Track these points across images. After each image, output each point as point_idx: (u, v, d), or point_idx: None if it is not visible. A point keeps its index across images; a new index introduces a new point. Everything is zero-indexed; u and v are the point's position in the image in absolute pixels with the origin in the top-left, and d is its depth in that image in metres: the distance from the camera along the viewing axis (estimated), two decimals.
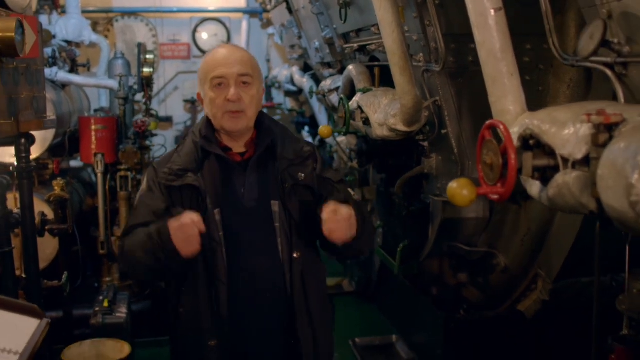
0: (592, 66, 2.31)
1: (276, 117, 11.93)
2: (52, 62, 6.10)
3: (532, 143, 2.07)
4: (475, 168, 2.95)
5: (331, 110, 5.93)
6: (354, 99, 4.48)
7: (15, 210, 3.54)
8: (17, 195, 3.77)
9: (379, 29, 3.61)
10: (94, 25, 10.36)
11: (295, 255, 2.59)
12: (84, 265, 5.91)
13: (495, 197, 2.03)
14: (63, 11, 7.90)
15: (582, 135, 1.88)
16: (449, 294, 5.08)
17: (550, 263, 4.30)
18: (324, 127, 4.38)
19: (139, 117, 6.36)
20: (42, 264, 4.90)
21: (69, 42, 7.36)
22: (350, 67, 4.98)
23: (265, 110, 10.01)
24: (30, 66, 3.31)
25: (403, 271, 5.06)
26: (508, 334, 4.60)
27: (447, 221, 4.47)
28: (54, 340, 4.76)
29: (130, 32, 11.28)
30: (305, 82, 7.82)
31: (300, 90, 8.54)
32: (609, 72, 2.26)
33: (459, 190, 1.97)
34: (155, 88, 11.04)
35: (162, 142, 7.88)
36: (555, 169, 2.00)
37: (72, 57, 7.07)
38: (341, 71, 5.63)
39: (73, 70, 7.05)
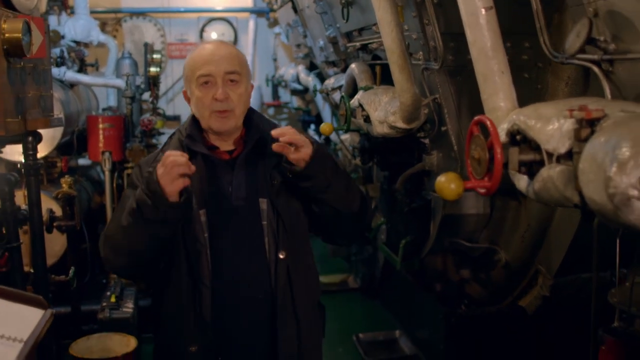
0: (580, 63, 2.37)
1: (283, 116, 12.01)
2: (61, 61, 6.21)
3: (518, 138, 2.13)
4: None
5: (334, 108, 6.01)
6: (356, 96, 4.55)
7: (24, 207, 3.62)
8: (25, 193, 3.86)
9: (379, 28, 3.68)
10: (103, 26, 10.47)
11: (281, 255, 2.50)
12: (92, 262, 6.00)
13: (483, 190, 2.09)
14: (72, 12, 8.01)
15: (565, 130, 1.94)
16: (451, 290, 5.13)
17: (550, 259, 4.34)
18: (325, 125, 4.44)
19: (146, 116, 6.46)
20: (51, 260, 5.00)
21: (77, 42, 7.46)
22: (353, 65, 5.05)
23: (272, 109, 10.13)
24: (38, 66, 3.39)
25: (405, 267, 5.12)
26: (509, 329, 4.64)
27: (448, 217, 4.53)
28: (62, 334, 4.87)
29: (138, 32, 11.39)
30: (310, 80, 7.90)
31: (306, 89, 8.61)
32: (596, 69, 2.32)
33: (447, 184, 2.03)
34: (163, 87, 11.16)
35: None
36: (540, 164, 2.06)
37: (80, 57, 7.18)
38: (345, 70, 5.69)
39: (81, 70, 7.16)
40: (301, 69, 8.64)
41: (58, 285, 4.42)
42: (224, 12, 11.80)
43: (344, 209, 2.53)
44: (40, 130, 3.60)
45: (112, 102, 8.50)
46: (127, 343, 4.52)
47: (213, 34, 11.81)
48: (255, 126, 2.61)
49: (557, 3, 3.16)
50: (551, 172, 1.99)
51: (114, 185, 6.19)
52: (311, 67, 8.47)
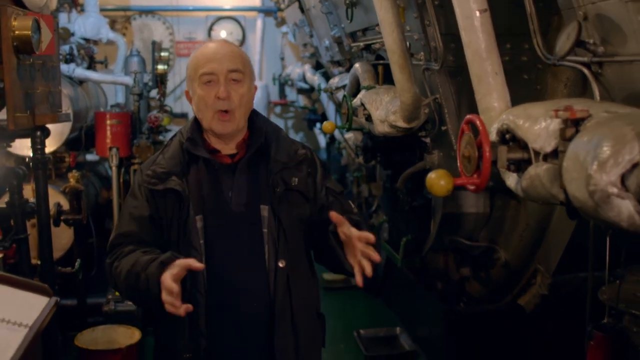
0: (571, 65, 2.43)
1: (289, 114, 12.09)
2: (70, 58, 6.30)
3: (508, 137, 2.20)
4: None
5: (338, 107, 6.08)
6: (358, 96, 4.62)
7: (32, 200, 3.71)
8: (34, 187, 3.95)
9: None
10: (112, 23, 10.56)
11: (280, 264, 2.41)
12: (98, 256, 6.08)
13: (472, 187, 2.17)
14: (82, 9, 8.09)
15: (551, 130, 2.01)
16: (451, 288, 5.19)
17: (548, 258, 4.39)
18: (327, 123, 4.53)
19: (153, 113, 6.55)
20: (58, 254, 5.11)
21: (87, 40, 7.54)
22: (357, 65, 5.12)
23: (278, 108, 10.20)
24: (46, 63, 3.48)
25: (406, 264, 5.19)
26: (507, 326, 4.71)
27: (448, 216, 4.59)
28: (68, 326, 4.97)
29: (147, 30, 11.49)
30: (316, 79, 7.97)
31: (312, 88, 8.68)
32: (586, 71, 2.38)
33: (437, 180, 2.11)
34: (171, 85, 11.25)
35: None
36: (528, 162, 2.13)
37: (90, 54, 7.27)
38: (350, 69, 5.77)
39: (91, 67, 7.25)
40: (307, 68, 8.72)
41: (64, 277, 4.52)
42: (232, 11, 11.89)
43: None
44: (49, 126, 3.69)
45: (121, 99, 8.59)
46: (131, 335, 4.61)
47: (222, 33, 11.91)
48: (258, 130, 2.53)
49: (556, 6, 3.22)
50: (538, 170, 2.06)
51: (121, 180, 6.28)
52: (317, 66, 8.54)
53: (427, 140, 4.46)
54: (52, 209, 4.15)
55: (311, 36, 7.46)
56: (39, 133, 3.58)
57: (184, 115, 11.49)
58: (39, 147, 3.59)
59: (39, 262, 3.86)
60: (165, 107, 7.24)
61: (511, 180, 2.24)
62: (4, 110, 3.10)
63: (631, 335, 2.60)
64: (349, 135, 5.85)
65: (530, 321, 4.63)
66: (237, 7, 11.87)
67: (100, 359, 4.44)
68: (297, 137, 11.59)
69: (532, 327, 4.62)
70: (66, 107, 4.87)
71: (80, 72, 6.36)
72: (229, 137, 2.47)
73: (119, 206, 6.24)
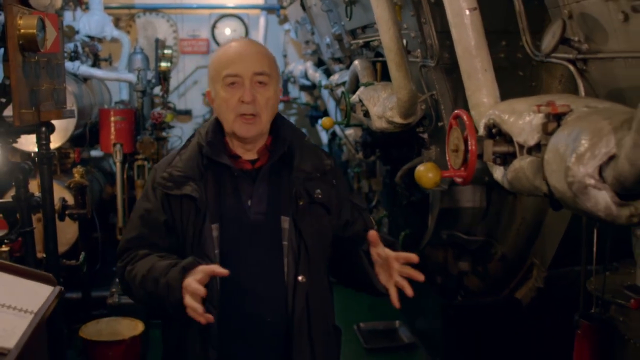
0: (557, 62, 2.51)
1: (292, 111, 12.17)
2: (75, 56, 6.39)
3: (494, 131, 2.29)
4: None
5: (338, 103, 6.16)
6: (357, 92, 4.71)
7: (37, 194, 3.80)
8: (39, 182, 4.04)
9: None
10: (116, 21, 10.69)
11: (300, 278, 2.29)
12: (103, 250, 6.19)
13: (459, 180, 2.25)
14: (86, 7, 8.20)
15: (535, 124, 2.09)
16: (450, 282, 5.27)
17: (544, 252, 4.46)
18: (326, 119, 4.62)
19: (156, 110, 6.64)
20: (63, 248, 5.21)
21: (91, 38, 7.64)
22: (356, 62, 5.20)
23: (281, 104, 10.24)
24: (51, 60, 3.56)
25: None
26: (504, 319, 4.78)
27: (445, 210, 4.67)
28: (73, 319, 5.08)
29: (151, 27, 11.59)
30: (318, 76, 8.05)
31: (314, 85, 8.77)
32: (571, 68, 2.46)
33: (425, 173, 2.19)
34: (175, 82, 11.36)
35: (179, 134, 8.15)
36: (513, 155, 2.21)
37: (94, 51, 7.38)
38: (350, 66, 5.85)
39: (95, 64, 7.35)
40: (309, 65, 8.80)
41: (69, 271, 4.61)
42: (236, 9, 11.98)
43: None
44: (54, 122, 3.78)
45: (125, 96, 8.70)
46: (134, 327, 4.72)
47: (226, 30, 11.99)
48: (282, 136, 2.40)
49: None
50: (522, 163, 2.15)
51: (125, 176, 6.38)
52: (319, 63, 8.63)
53: (425, 136, 4.54)
54: (57, 203, 4.23)
55: (313, 33, 7.55)
56: (43, 129, 3.66)
57: (187, 112, 11.61)
58: (44, 142, 3.68)
59: (44, 255, 3.95)
60: (169, 104, 7.34)
61: (498, 173, 2.32)
62: (10, 107, 3.19)
63: (617, 324, 2.68)
64: (349, 131, 5.94)
65: (527, 313, 4.71)
66: (240, 4, 11.96)
67: (104, 350, 4.54)
68: None
69: (528, 319, 4.70)
70: (71, 104, 4.96)
71: (84, 69, 6.46)
72: (251, 141, 2.35)
73: (123, 201, 6.35)
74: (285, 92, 11.59)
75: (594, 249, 2.83)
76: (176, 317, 2.18)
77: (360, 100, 4.49)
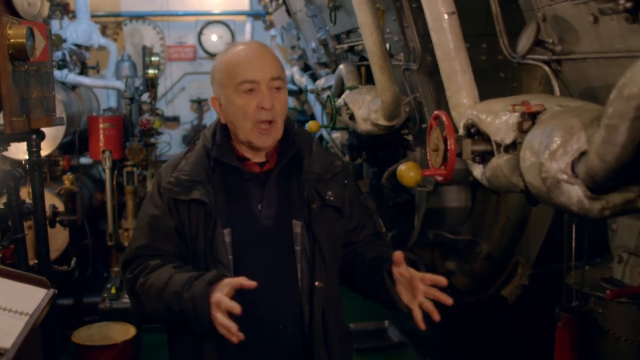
0: (533, 63, 2.60)
1: None
2: (63, 64, 6.44)
3: (473, 131, 2.37)
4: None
5: (324, 107, 6.24)
6: (342, 96, 4.79)
7: (28, 201, 3.85)
8: (30, 190, 4.09)
9: None
10: (103, 29, 10.75)
11: (317, 284, 2.22)
12: (93, 257, 6.23)
13: (440, 178, 2.33)
14: (73, 16, 8.25)
15: (511, 123, 2.18)
16: None
17: (528, 250, 4.54)
18: (312, 123, 4.70)
19: (145, 116, 6.70)
20: (54, 255, 5.23)
21: (79, 46, 7.69)
22: (341, 66, 5.29)
23: None
24: (40, 69, 3.62)
25: None
26: (491, 316, 4.86)
27: (431, 210, 4.74)
28: (65, 325, 5.11)
29: (138, 35, 11.66)
30: (304, 81, 8.14)
31: (301, 90, 8.85)
32: (546, 68, 2.55)
33: (407, 172, 2.27)
34: (163, 89, 11.42)
35: (167, 140, 8.21)
36: (491, 154, 2.30)
37: (82, 60, 7.42)
38: (335, 70, 5.94)
39: (83, 72, 7.39)
40: (296, 70, 8.88)
41: (61, 277, 4.65)
42: (222, 15, 12.07)
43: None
44: (44, 130, 3.83)
45: (113, 103, 8.74)
46: (126, 331, 4.76)
47: (212, 37, 12.07)
48: (292, 139, 2.32)
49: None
50: (499, 161, 2.23)
51: (114, 182, 6.42)
52: (305, 68, 8.71)
53: (410, 137, 4.62)
54: (47, 210, 4.27)
55: (298, 39, 7.63)
56: (34, 136, 3.71)
57: (175, 119, 11.66)
58: (34, 149, 3.73)
59: (36, 262, 3.99)
60: (157, 111, 7.40)
61: (477, 171, 2.41)
62: (1, 115, 3.24)
63: (596, 316, 2.77)
64: (336, 134, 6.02)
65: (513, 311, 4.79)
66: (226, 11, 12.05)
67: (97, 354, 4.58)
68: None
69: (514, 316, 4.78)
70: (60, 112, 5.01)
71: (72, 77, 6.50)
72: (267, 149, 2.28)
73: (113, 208, 6.39)
74: None
75: (573, 244, 2.90)
76: (200, 331, 2.09)
77: (346, 104, 4.58)
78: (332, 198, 2.26)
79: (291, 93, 10.04)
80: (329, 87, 5.69)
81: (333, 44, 5.80)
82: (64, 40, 7.32)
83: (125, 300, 5.18)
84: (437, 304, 2.09)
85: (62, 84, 6.30)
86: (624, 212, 1.96)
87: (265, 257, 2.22)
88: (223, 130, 2.30)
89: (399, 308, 2.13)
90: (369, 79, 5.01)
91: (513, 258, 4.77)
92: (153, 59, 7.38)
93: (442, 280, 2.06)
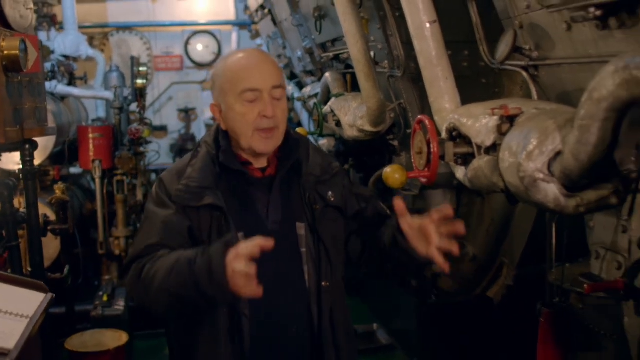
0: (512, 69, 2.71)
1: None
2: (52, 75, 6.50)
3: (455, 134, 2.48)
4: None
5: (311, 115, 6.34)
6: (329, 103, 4.89)
7: (21, 210, 3.92)
8: (21, 200, 4.15)
9: None
10: (91, 40, 10.80)
11: (324, 284, 2.27)
12: (84, 266, 6.28)
13: (424, 180, 2.43)
14: (61, 27, 8.31)
15: (490, 126, 2.29)
16: (425, 285, 5.44)
17: (512, 251, 4.65)
18: (299, 130, 4.77)
19: (134, 126, 6.77)
20: (45, 263, 5.25)
21: (66, 57, 7.75)
22: (327, 74, 5.39)
23: None
24: (33, 80, 3.69)
25: None
26: (477, 317, 4.96)
27: (417, 213, 4.83)
28: (58, 334, 5.15)
29: (125, 45, 11.73)
30: (290, 89, 8.23)
31: (288, 98, 8.92)
32: (524, 74, 2.66)
33: (392, 174, 2.37)
34: (150, 98, 11.49)
35: (156, 149, 8.28)
36: (473, 156, 2.40)
37: (70, 70, 7.49)
38: (322, 78, 6.03)
39: (71, 83, 7.46)
40: None
41: (54, 285, 4.70)
42: (208, 25, 12.17)
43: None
44: (35, 138, 3.89)
45: (101, 113, 8.81)
46: (119, 338, 4.80)
47: (198, 46, 12.16)
48: (291, 143, 2.36)
49: None
50: (480, 162, 2.34)
51: (104, 191, 6.49)
52: (292, 76, 8.80)
53: (395, 143, 4.72)
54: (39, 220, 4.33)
55: (284, 48, 7.72)
56: (27, 146, 3.78)
57: (163, 128, 11.72)
58: (28, 159, 3.80)
59: (29, 270, 4.05)
60: (145, 120, 7.47)
61: (460, 172, 2.51)
62: None
63: (576, 311, 2.87)
64: (323, 141, 6.11)
65: (498, 310, 4.89)
66: (212, 21, 12.15)
67: None
68: None
69: (499, 315, 4.87)
70: (50, 122, 5.06)
71: (61, 88, 6.58)
72: (267, 155, 2.31)
73: (104, 216, 6.45)
74: None
75: (554, 243, 3.01)
76: (211, 301, 2.04)
77: (332, 111, 4.68)
78: (333, 199, 2.32)
79: None
80: (316, 95, 5.78)
81: (319, 52, 5.90)
82: (52, 52, 7.38)
83: (117, 307, 5.24)
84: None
85: (52, 94, 6.36)
86: (598, 209, 2.07)
87: (274, 260, 2.19)
88: (225, 137, 2.32)
89: (420, 262, 2.17)
90: (355, 86, 5.11)
91: (498, 259, 4.88)
92: (141, 69, 7.46)
93: (448, 210, 2.12)
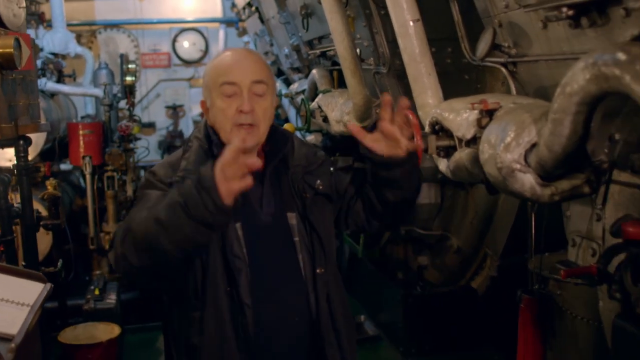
0: (492, 65, 2.83)
1: None
2: (41, 73, 6.56)
3: (437, 128, 2.59)
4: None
5: (298, 111, 6.44)
6: (316, 99, 5.00)
7: (15, 205, 4.00)
8: (13, 196, 4.22)
9: None
10: (79, 38, 10.84)
11: (318, 271, 2.30)
12: (75, 261, 6.35)
13: None
14: (49, 25, 8.35)
15: (471, 120, 2.41)
16: (411, 276, 5.57)
17: (495, 243, 4.78)
18: (287, 125, 4.89)
19: (124, 122, 6.84)
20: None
21: (55, 54, 7.80)
22: (314, 71, 5.49)
23: None
24: (26, 77, 3.77)
25: (366, 255, 5.55)
26: (461, 307, 5.09)
27: None
28: (50, 328, 5.22)
29: (112, 43, 11.76)
30: (278, 86, 8.32)
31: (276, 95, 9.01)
32: (504, 70, 2.78)
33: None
34: (138, 95, 11.52)
35: (145, 145, 8.34)
36: (454, 148, 2.52)
37: (58, 68, 7.54)
38: (308, 75, 6.14)
39: (60, 80, 7.51)
40: None
41: (47, 279, 4.77)
42: (195, 23, 12.21)
43: (413, 193, 2.40)
44: (29, 135, 3.97)
45: (90, 110, 8.86)
46: (111, 330, 4.88)
47: (185, 43, 12.21)
48: (279, 139, 2.37)
49: None
50: (462, 155, 2.45)
51: (95, 187, 6.56)
52: (279, 73, 8.89)
53: None
54: None
55: (271, 45, 7.81)
56: (21, 142, 3.86)
57: (151, 125, 11.75)
58: (22, 154, 3.88)
59: (24, 264, 4.13)
60: (135, 117, 7.54)
61: (442, 164, 2.63)
62: None
63: (555, 297, 3.00)
64: (310, 137, 6.22)
65: (482, 300, 5.02)
66: (199, 18, 12.20)
67: (82, 353, 4.70)
68: None
69: (483, 305, 5.00)
70: (41, 119, 5.14)
71: (51, 85, 6.64)
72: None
73: (94, 212, 6.53)
74: None
75: (533, 232, 3.12)
76: (211, 229, 1.96)
77: (319, 107, 4.79)
78: (321, 187, 2.34)
79: None
80: (303, 91, 5.88)
81: (306, 49, 6.00)
82: (41, 49, 7.43)
83: (109, 300, 5.31)
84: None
85: (42, 92, 6.42)
86: (571, 197, 2.19)
87: (271, 251, 2.27)
88: (214, 132, 2.30)
89: (400, 163, 2.21)
90: (341, 83, 5.21)
91: (481, 251, 5.01)
92: (130, 66, 7.53)
93: (404, 101, 2.27)
